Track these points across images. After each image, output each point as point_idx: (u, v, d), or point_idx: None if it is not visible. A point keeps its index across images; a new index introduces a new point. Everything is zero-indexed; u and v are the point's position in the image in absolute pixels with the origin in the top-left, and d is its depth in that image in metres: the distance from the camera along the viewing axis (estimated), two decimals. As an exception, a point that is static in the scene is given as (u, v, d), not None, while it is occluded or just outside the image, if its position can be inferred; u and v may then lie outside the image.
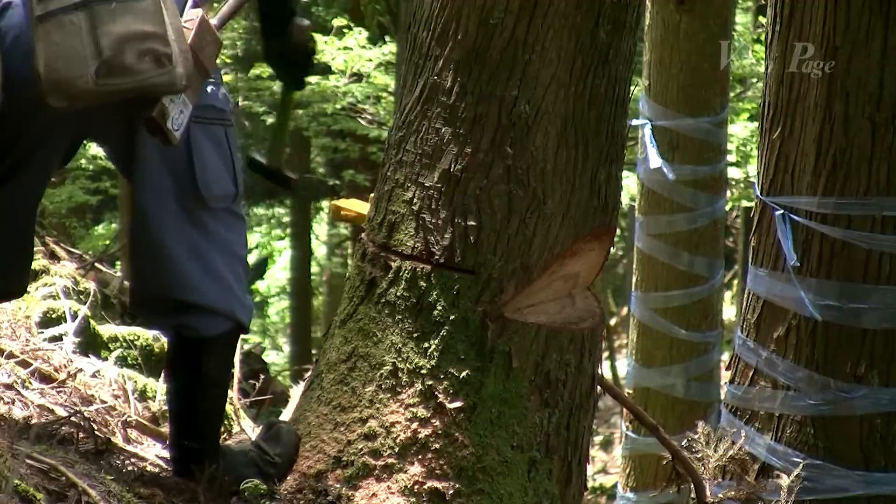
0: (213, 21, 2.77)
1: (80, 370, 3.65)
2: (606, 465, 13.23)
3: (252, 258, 18.70)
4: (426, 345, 2.92)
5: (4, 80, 2.64)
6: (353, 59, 11.41)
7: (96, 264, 6.21)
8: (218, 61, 2.82)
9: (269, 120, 12.20)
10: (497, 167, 2.91)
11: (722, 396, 5.10)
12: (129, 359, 4.17)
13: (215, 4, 2.87)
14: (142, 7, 2.57)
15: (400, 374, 2.92)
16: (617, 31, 2.95)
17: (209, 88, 2.81)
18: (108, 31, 2.53)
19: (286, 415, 3.47)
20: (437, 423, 2.89)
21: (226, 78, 11.73)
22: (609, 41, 2.94)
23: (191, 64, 2.63)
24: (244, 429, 3.75)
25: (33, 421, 3.10)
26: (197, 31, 2.69)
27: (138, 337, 4.32)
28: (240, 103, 12.31)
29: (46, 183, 2.91)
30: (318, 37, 11.45)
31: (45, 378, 3.51)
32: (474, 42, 2.91)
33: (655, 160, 5.97)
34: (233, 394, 3.82)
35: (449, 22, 2.93)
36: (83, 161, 10.25)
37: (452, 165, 2.92)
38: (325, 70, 11.61)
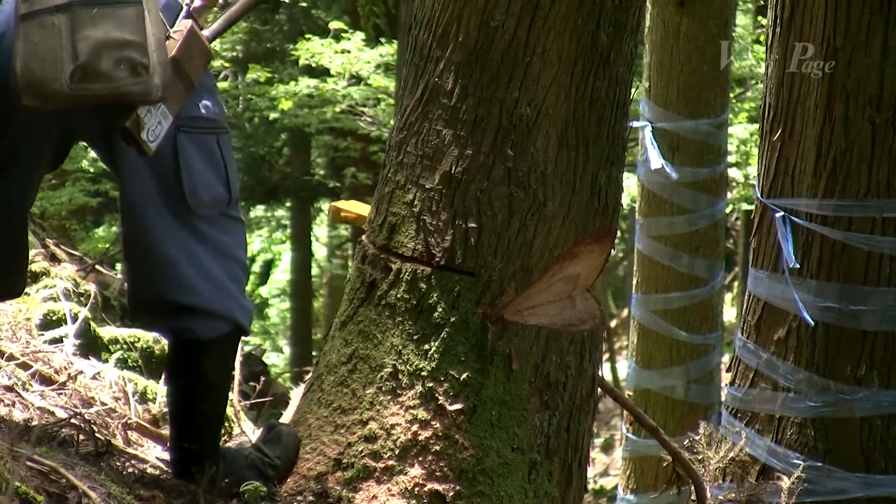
0: (206, 33, 2.77)
1: (81, 372, 3.65)
2: (607, 467, 13.23)
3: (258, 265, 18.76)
4: (426, 347, 2.92)
5: None
6: (350, 60, 11.42)
7: (97, 266, 6.21)
8: (216, 64, 2.81)
9: (272, 115, 12.20)
10: (498, 169, 2.91)
11: (722, 398, 5.10)
12: (129, 361, 4.17)
13: (217, 10, 2.88)
14: (123, 14, 2.57)
15: (400, 376, 2.92)
16: (618, 33, 2.95)
17: (201, 103, 2.81)
18: (87, 35, 2.54)
19: (286, 417, 3.48)
20: (438, 425, 2.89)
21: (224, 85, 11.74)
22: (610, 43, 2.94)
23: (169, 75, 2.63)
24: (244, 431, 3.75)
25: (34, 423, 3.10)
26: (184, 41, 2.69)
27: (139, 339, 4.32)
28: (240, 105, 12.32)
29: (36, 183, 2.91)
30: (316, 39, 11.47)
31: (46, 380, 3.51)
32: (475, 44, 2.91)
33: (657, 161, 5.97)
34: (233, 396, 3.82)
35: (450, 24, 2.92)
36: (84, 163, 10.25)
37: (453, 167, 2.92)
38: (324, 72, 11.61)
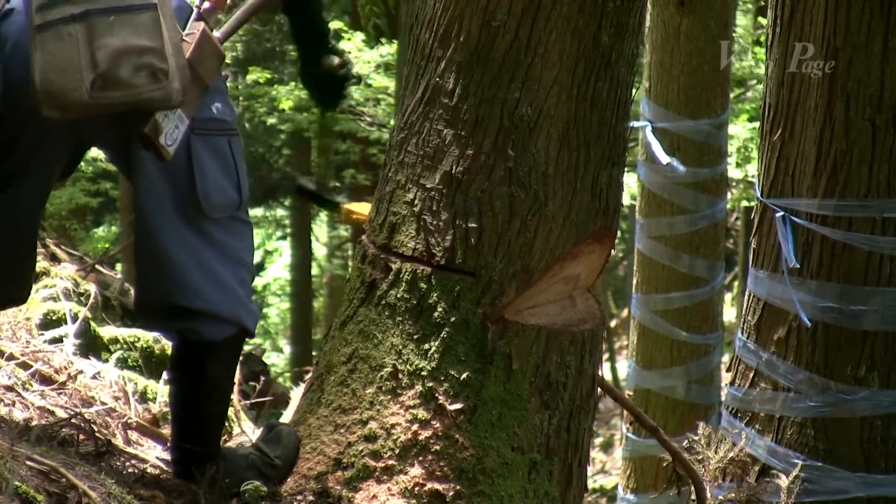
0: (217, 34, 2.76)
1: (81, 372, 3.65)
2: (607, 466, 13.23)
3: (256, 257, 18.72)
4: (426, 346, 2.92)
5: (3, 86, 2.65)
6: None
7: (97, 266, 6.20)
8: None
9: (270, 121, 12.19)
10: (499, 169, 2.91)
11: (722, 398, 5.11)
12: (129, 360, 4.17)
13: (220, 17, 2.87)
14: (140, 21, 2.56)
15: (400, 376, 2.92)
16: (619, 33, 2.95)
17: (213, 105, 2.81)
18: (105, 43, 2.52)
19: (287, 417, 3.48)
20: (438, 424, 2.89)
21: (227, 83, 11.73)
22: (611, 44, 2.94)
23: (187, 79, 2.62)
24: (245, 431, 3.75)
25: (34, 423, 3.10)
26: (197, 44, 2.68)
27: (139, 339, 4.32)
28: (240, 106, 12.32)
29: (47, 191, 2.90)
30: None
31: (46, 380, 3.51)
32: (477, 44, 2.91)
33: (663, 157, 5.96)
34: (233, 396, 3.82)
35: (451, 24, 2.93)
36: (83, 163, 10.25)
37: (454, 167, 2.92)
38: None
